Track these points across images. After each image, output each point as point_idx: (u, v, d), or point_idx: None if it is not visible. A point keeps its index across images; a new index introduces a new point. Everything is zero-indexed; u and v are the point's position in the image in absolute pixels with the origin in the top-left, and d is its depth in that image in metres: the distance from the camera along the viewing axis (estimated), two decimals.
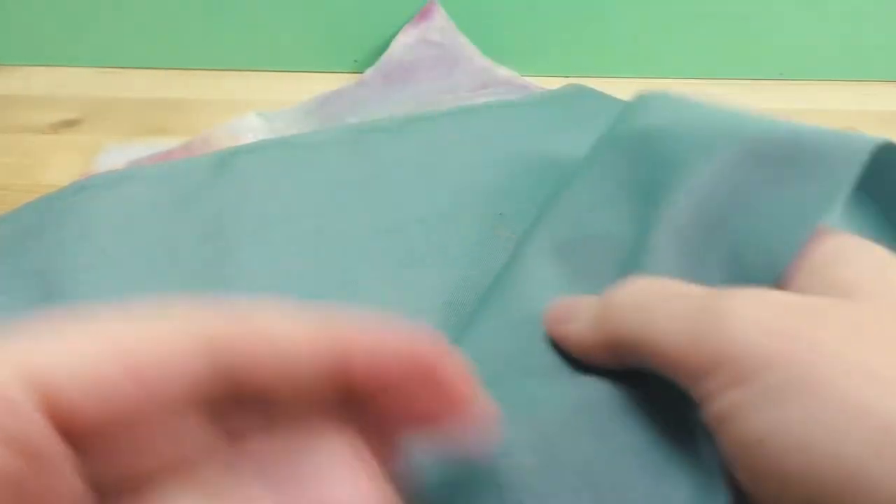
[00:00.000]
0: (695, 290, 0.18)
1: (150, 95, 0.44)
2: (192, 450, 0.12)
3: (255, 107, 0.41)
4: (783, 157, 0.20)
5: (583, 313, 0.19)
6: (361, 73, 0.45)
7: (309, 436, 0.13)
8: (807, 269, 0.18)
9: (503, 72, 0.43)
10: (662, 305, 0.17)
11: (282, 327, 0.12)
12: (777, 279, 0.18)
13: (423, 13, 0.44)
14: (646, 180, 0.22)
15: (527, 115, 0.36)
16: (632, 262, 0.21)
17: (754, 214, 0.19)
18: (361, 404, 0.13)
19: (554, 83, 0.42)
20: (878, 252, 0.18)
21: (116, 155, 0.38)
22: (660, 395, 0.19)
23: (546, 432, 0.18)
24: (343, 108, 0.40)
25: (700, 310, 0.17)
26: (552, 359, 0.20)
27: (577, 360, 0.20)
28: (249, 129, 0.39)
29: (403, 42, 0.44)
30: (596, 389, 0.19)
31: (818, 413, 0.14)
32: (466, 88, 0.42)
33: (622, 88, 0.44)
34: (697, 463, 0.18)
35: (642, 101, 0.26)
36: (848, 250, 0.18)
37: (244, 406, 0.12)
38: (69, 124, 0.41)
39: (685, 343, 0.16)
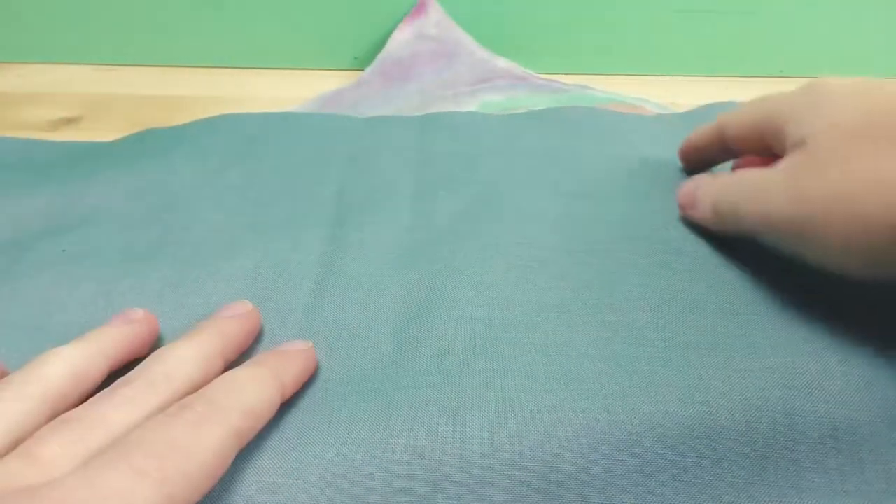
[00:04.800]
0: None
1: (149, 93, 0.44)
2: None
3: (254, 104, 0.41)
4: None
5: (700, 200, 0.24)
6: (360, 69, 0.45)
7: None
8: None
9: (502, 63, 0.43)
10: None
11: None
12: None
13: (417, 9, 0.44)
14: None
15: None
16: None
17: None
18: None
19: (555, 80, 0.42)
20: None
21: None
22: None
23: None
24: (345, 107, 0.40)
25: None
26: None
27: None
28: None
29: (400, 38, 0.44)
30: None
31: None
32: (466, 82, 0.41)
33: (623, 86, 0.44)
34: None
35: None
36: None
37: None
38: (69, 122, 0.41)
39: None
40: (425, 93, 0.41)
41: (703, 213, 0.24)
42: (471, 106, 0.39)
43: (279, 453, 0.18)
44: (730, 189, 0.23)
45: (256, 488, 0.17)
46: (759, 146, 0.23)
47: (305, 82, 0.45)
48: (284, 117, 0.34)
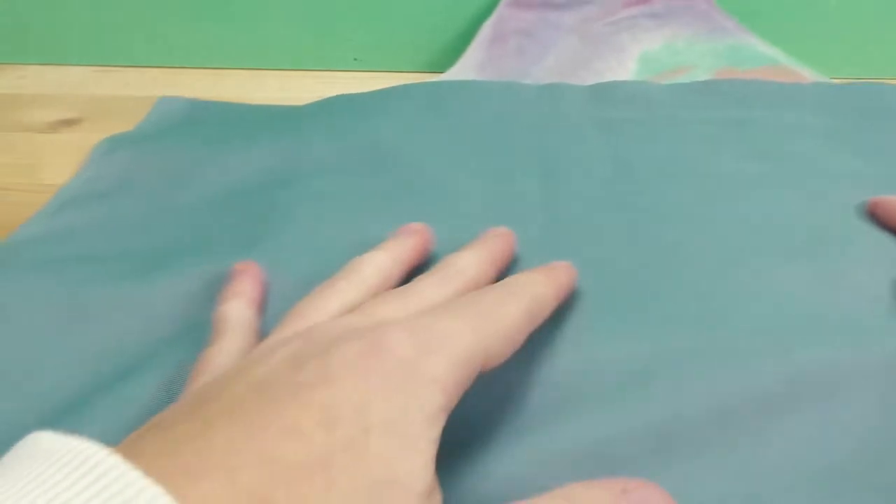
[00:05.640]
0: None
1: (149, 94, 0.43)
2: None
3: None
4: None
5: None
6: (361, 70, 0.45)
7: None
8: None
9: None
10: None
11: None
12: None
13: None
14: None
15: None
16: None
17: None
18: None
19: None
20: None
21: None
22: None
23: None
24: (510, 54, 0.40)
25: None
26: None
27: None
28: None
29: None
30: None
31: None
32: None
33: None
34: None
35: None
36: None
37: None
38: (68, 123, 0.41)
39: None
40: (581, 29, 0.40)
41: None
42: (631, 56, 0.39)
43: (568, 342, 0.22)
44: None
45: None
46: None
47: (305, 83, 0.45)
48: (465, 85, 0.37)
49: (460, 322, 0.17)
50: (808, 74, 0.39)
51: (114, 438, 0.14)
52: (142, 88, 0.44)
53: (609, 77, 0.39)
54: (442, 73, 0.44)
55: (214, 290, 0.24)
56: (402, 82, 0.37)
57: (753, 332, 0.21)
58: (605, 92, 0.35)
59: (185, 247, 0.27)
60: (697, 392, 0.19)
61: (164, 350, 0.23)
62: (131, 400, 0.21)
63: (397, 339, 0.16)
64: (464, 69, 0.41)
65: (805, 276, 0.23)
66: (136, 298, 0.25)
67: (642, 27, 0.40)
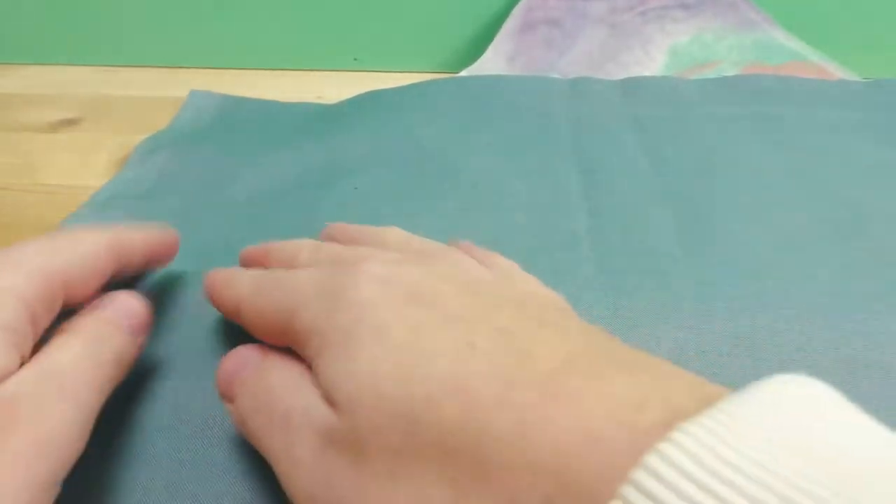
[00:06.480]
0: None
1: (149, 94, 0.43)
2: None
3: None
4: None
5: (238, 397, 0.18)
6: (360, 70, 0.45)
7: None
8: None
9: None
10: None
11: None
12: None
13: None
14: None
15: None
16: None
17: None
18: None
19: None
20: None
21: None
22: None
23: None
24: (538, 43, 0.40)
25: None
26: None
27: None
28: None
29: None
30: None
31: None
32: None
33: None
34: None
35: None
36: None
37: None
38: (69, 123, 0.41)
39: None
40: (609, 19, 0.40)
41: (237, 413, 0.18)
42: (660, 48, 0.39)
43: None
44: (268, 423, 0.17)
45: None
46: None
47: (305, 82, 0.45)
48: (499, 80, 0.37)
49: (31, 250, 0.18)
50: (833, 70, 0.39)
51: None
52: (142, 88, 0.44)
53: (637, 70, 0.39)
54: (442, 72, 0.44)
55: None
56: (401, 82, 0.37)
57: (814, 309, 0.22)
58: (634, 87, 0.36)
59: (225, 247, 0.27)
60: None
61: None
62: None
63: None
64: (494, 60, 0.41)
65: (857, 256, 0.25)
66: (176, 297, 0.25)
67: (672, 18, 0.40)
